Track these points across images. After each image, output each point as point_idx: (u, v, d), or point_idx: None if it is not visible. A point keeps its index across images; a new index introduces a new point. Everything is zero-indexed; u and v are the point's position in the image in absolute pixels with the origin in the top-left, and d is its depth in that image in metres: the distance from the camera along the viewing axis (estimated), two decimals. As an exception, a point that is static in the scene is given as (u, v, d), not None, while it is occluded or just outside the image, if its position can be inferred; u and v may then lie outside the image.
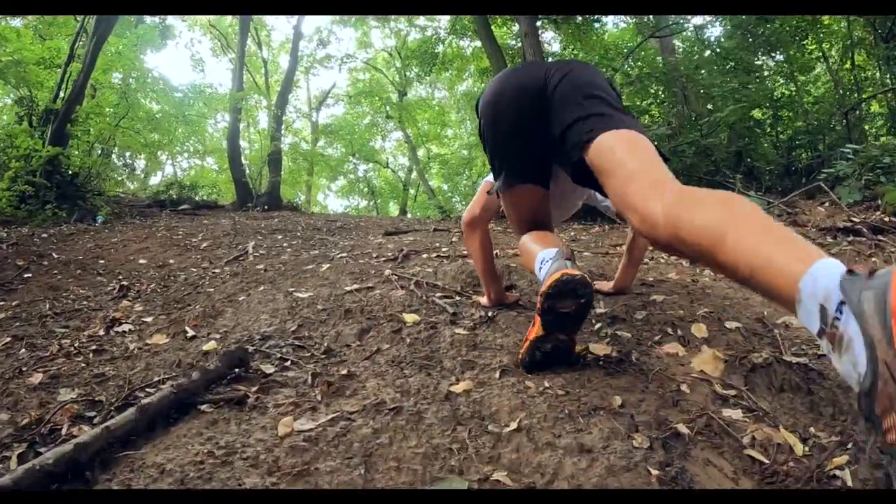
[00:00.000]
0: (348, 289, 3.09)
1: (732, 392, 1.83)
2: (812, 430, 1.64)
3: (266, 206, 13.36)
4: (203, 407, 1.75)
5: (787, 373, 1.96)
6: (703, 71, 10.51)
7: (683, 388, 1.83)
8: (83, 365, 2.42)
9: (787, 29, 11.03)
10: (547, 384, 1.85)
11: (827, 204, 5.13)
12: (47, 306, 3.70)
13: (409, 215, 23.13)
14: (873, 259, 3.59)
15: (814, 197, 5.86)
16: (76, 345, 2.73)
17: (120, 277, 4.73)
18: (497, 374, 1.96)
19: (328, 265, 3.88)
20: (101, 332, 2.92)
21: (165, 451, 1.49)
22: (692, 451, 1.49)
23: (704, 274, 3.41)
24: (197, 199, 13.92)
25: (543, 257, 1.95)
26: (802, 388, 1.89)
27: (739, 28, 11.38)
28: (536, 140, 2.00)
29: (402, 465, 1.44)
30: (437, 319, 2.56)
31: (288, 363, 2.15)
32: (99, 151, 12.73)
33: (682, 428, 1.57)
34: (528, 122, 1.98)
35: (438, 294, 2.97)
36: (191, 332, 2.70)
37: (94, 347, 2.66)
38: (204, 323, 2.87)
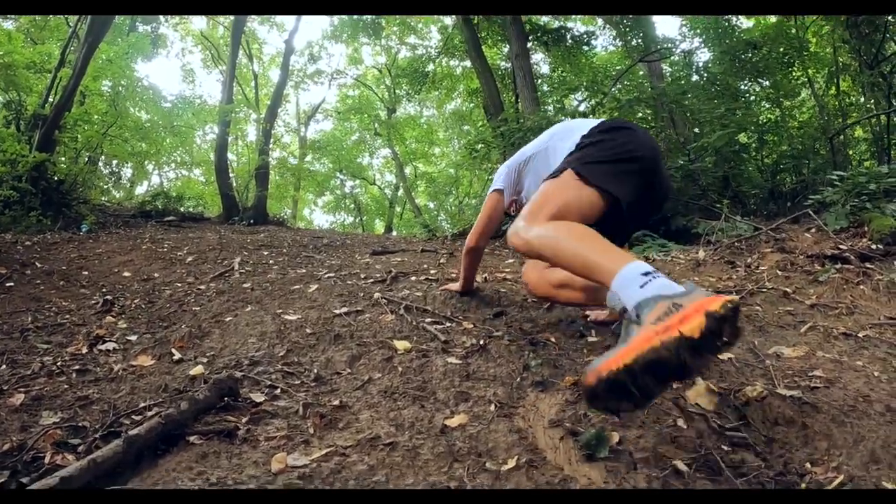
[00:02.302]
0: (337, 312, 3.07)
1: (728, 426, 1.83)
2: (808, 465, 1.64)
3: (252, 221, 13.27)
4: (192, 438, 1.71)
5: (780, 406, 1.95)
6: (690, 96, 10.58)
7: (680, 422, 1.82)
8: (66, 386, 2.37)
9: (775, 56, 11.16)
10: (542, 416, 1.87)
11: (813, 230, 5.14)
12: (29, 319, 3.63)
13: (394, 233, 23.15)
14: (862, 287, 3.61)
15: (799, 222, 5.89)
16: (59, 363, 2.67)
17: (104, 290, 4.66)
18: (492, 408, 1.96)
19: (316, 286, 3.85)
20: (85, 350, 2.87)
21: (154, 486, 1.45)
22: (692, 489, 1.50)
23: None
24: (183, 210, 13.82)
25: (649, 268, 1.74)
26: (796, 422, 1.88)
27: (727, 54, 11.52)
28: (647, 189, 2.36)
29: None
30: (429, 347, 2.56)
31: (278, 391, 2.12)
32: (86, 159, 12.62)
33: (681, 465, 1.57)
34: (652, 177, 2.37)
35: (428, 319, 2.96)
36: (177, 355, 2.66)
37: (77, 367, 2.60)
38: (190, 344, 2.84)
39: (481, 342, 2.59)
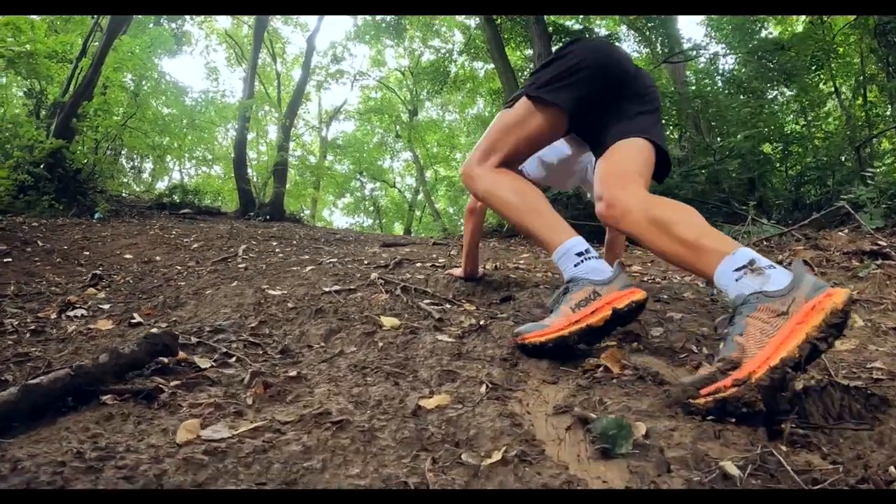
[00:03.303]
0: (327, 290, 2.83)
1: (779, 418, 1.47)
2: (892, 470, 1.25)
3: (268, 216, 13.18)
4: (106, 398, 1.46)
5: (844, 398, 1.58)
6: (713, 96, 10.37)
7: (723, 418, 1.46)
8: (10, 343, 2.18)
9: (803, 59, 10.88)
10: (545, 402, 1.56)
11: (846, 230, 4.87)
12: (12, 288, 3.47)
13: (413, 235, 22.99)
14: None
15: (825, 228, 5.64)
16: (16, 324, 2.48)
17: (101, 268, 4.51)
18: (482, 389, 1.64)
19: (312, 267, 3.65)
20: (53, 316, 2.68)
21: (36, 444, 1.20)
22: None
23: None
24: (199, 204, 13.72)
25: (583, 247, 2.04)
26: (866, 417, 1.52)
27: (754, 54, 11.26)
28: (605, 101, 2.29)
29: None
30: (420, 325, 2.29)
31: (232, 360, 1.85)
32: (106, 150, 12.58)
33: (731, 468, 1.20)
34: (614, 87, 2.28)
35: (427, 300, 2.72)
36: (137, 319, 2.45)
37: (34, 328, 2.41)
38: (159, 313, 2.63)
39: (481, 322, 2.32)
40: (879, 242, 4.08)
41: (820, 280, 1.55)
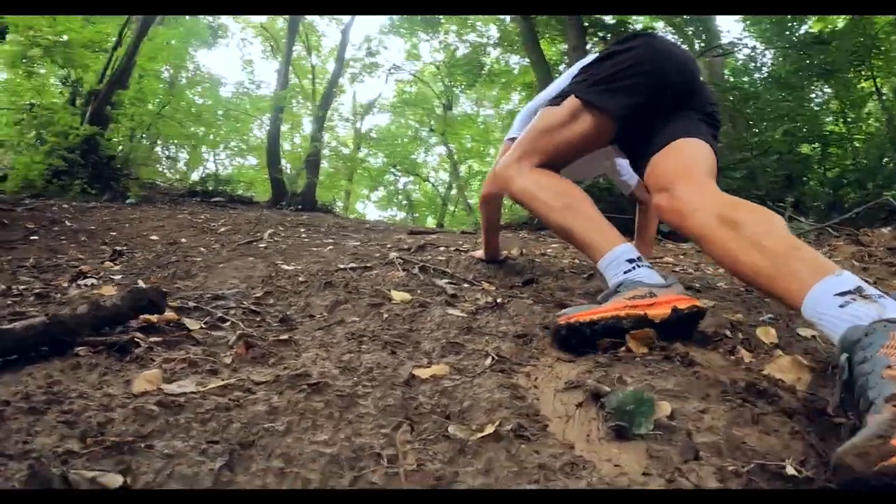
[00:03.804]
0: (342, 266, 2.77)
1: (830, 410, 1.27)
2: None
3: (300, 206, 13.17)
4: (80, 349, 1.39)
5: None
6: (755, 90, 10.16)
7: (762, 404, 1.30)
8: (10, 303, 2.13)
9: (844, 54, 10.59)
10: (557, 378, 1.43)
11: (889, 228, 4.68)
12: (31, 261, 3.45)
13: (444, 229, 22.94)
14: None
15: (863, 227, 5.44)
16: (22, 289, 2.44)
17: (125, 247, 4.50)
18: (487, 361, 1.52)
19: (332, 247, 3.58)
20: (65, 284, 2.64)
21: None
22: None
23: None
24: (231, 193, 13.77)
25: (636, 254, 1.95)
26: None
27: (794, 48, 11.01)
28: (662, 111, 2.11)
29: (290, 467, 0.99)
30: (432, 301, 2.18)
31: (226, 325, 1.77)
32: (142, 138, 12.69)
33: (774, 461, 1.04)
34: (674, 97, 2.11)
35: (444, 280, 2.64)
36: (141, 286, 2.39)
37: (39, 291, 2.37)
38: (168, 282, 2.57)
39: (498, 300, 2.21)
40: None
41: None
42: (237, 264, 2.90)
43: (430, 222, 28.12)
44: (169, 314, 1.70)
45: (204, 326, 1.72)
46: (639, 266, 1.88)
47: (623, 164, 3.18)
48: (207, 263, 3.13)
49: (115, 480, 0.87)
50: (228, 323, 1.79)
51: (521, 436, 1.12)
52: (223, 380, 1.26)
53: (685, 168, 1.95)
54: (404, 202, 29.29)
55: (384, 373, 1.38)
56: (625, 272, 1.87)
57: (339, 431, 1.09)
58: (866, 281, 2.73)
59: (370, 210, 33.32)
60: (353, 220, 11.40)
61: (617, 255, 1.92)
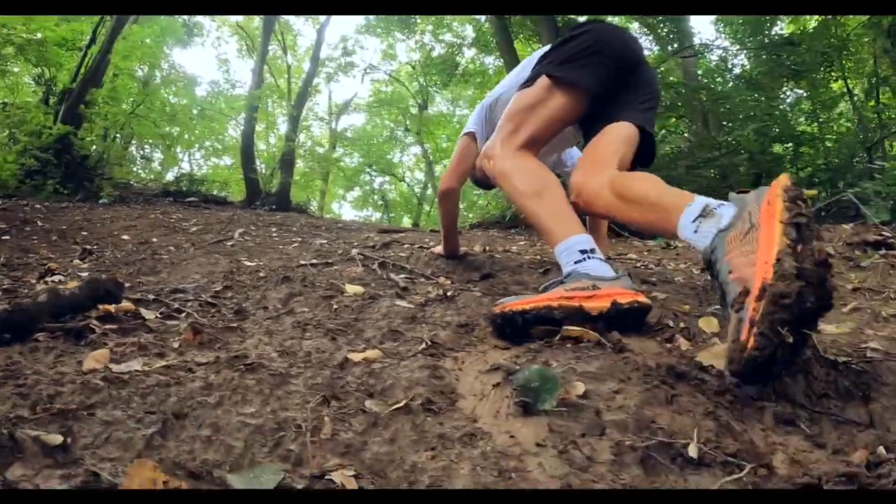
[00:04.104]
0: (304, 262, 2.85)
1: (753, 392, 1.35)
2: (882, 451, 1.11)
3: (274, 206, 13.16)
4: (40, 335, 1.48)
5: (831, 374, 1.45)
6: (726, 90, 10.33)
7: (681, 386, 1.37)
8: (-28, 296, 2.20)
9: (814, 55, 10.78)
10: (485, 362, 1.50)
11: (851, 224, 4.79)
12: (1, 260, 3.50)
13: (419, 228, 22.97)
14: None
15: (833, 223, 5.58)
16: (-12, 285, 2.50)
17: (96, 246, 4.55)
18: (420, 347, 1.59)
19: (297, 245, 3.66)
20: (33, 281, 2.71)
21: None
22: (694, 476, 1.02)
23: None
24: (206, 193, 13.73)
25: (590, 245, 1.99)
26: (855, 395, 1.37)
27: (764, 50, 11.19)
28: (615, 86, 2.31)
29: (217, 435, 1.09)
30: (384, 294, 2.26)
31: (181, 316, 1.84)
32: (115, 138, 12.63)
33: (688, 444, 1.09)
34: (626, 70, 2.33)
35: (403, 275, 2.73)
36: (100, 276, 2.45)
37: (7, 287, 2.45)
38: (131, 278, 2.64)
39: (448, 293, 2.30)
40: (884, 233, 3.99)
41: (762, 188, 1.58)
42: (201, 261, 2.98)
43: (407, 222, 28.19)
44: (126, 304, 1.78)
45: (159, 316, 1.79)
46: (590, 257, 1.93)
47: (567, 155, 3.30)
48: (173, 261, 3.20)
49: (55, 439, 0.97)
50: (184, 314, 1.86)
51: (429, 409, 1.21)
52: (168, 361, 1.35)
53: (590, 160, 2.22)
54: (380, 202, 29.32)
55: (321, 357, 1.47)
56: (575, 262, 1.92)
57: (267, 405, 1.19)
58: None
59: (346, 210, 33.35)
60: (326, 220, 11.43)
61: (571, 244, 1.97)
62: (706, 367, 1.49)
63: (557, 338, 1.67)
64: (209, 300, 2.09)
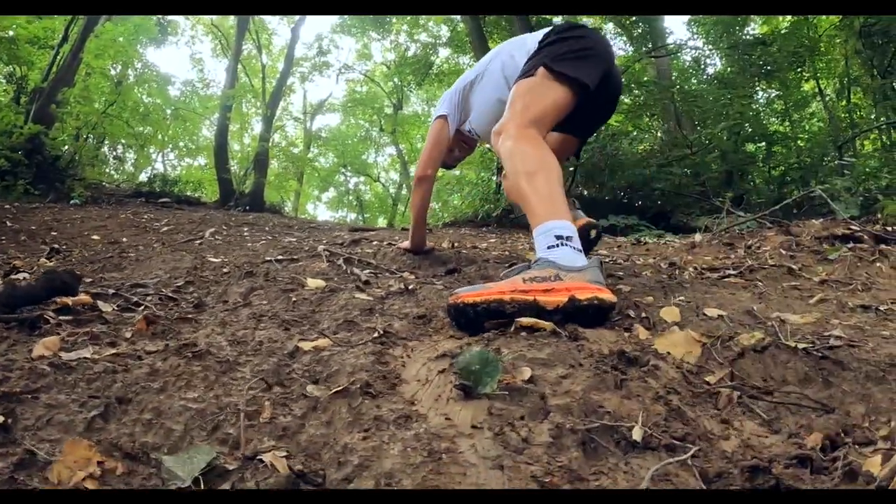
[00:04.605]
0: (269, 258, 2.84)
1: (712, 379, 1.37)
2: (841, 435, 1.13)
3: (248, 207, 13.06)
4: None
5: (791, 361, 1.44)
6: (699, 90, 10.45)
7: (633, 371, 1.36)
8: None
9: (785, 53, 10.92)
10: (435, 350, 1.49)
11: (821, 219, 4.86)
12: (-33, 260, 3.48)
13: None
14: (878, 265, 3.21)
15: (800, 218, 5.67)
16: (-50, 281, 2.48)
17: (64, 246, 4.52)
18: (373, 335, 1.58)
19: (265, 242, 3.66)
20: (-3, 278, 2.70)
21: None
22: (636, 459, 1.02)
23: (685, 274, 3.12)
24: (179, 194, 13.61)
25: (566, 233, 1.96)
26: (815, 381, 1.36)
27: (736, 50, 11.31)
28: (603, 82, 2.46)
29: (158, 419, 1.11)
30: (345, 287, 2.25)
31: (140, 309, 1.83)
32: (87, 138, 12.49)
33: (625, 424, 1.10)
34: (604, 79, 2.47)
35: (368, 270, 2.73)
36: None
37: (-35, 283, 2.42)
38: (95, 275, 2.63)
39: (410, 287, 2.29)
40: (852, 227, 4.02)
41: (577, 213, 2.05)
42: (166, 258, 2.98)
43: (382, 223, 28.14)
44: (84, 297, 1.77)
45: (116, 309, 1.79)
46: (564, 244, 1.90)
47: None
48: (139, 258, 3.19)
49: (-4, 420, 0.99)
50: (142, 308, 1.86)
51: (368, 393, 1.22)
52: (118, 350, 1.36)
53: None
54: (355, 203, 29.25)
55: (272, 346, 1.47)
56: (548, 247, 1.91)
57: (210, 391, 1.21)
58: (790, 267, 2.87)
59: (321, 211, 33.21)
60: (299, 220, 11.38)
61: (550, 228, 1.96)
62: (662, 354, 1.50)
63: (512, 329, 1.65)
64: (170, 294, 2.08)
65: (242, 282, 2.31)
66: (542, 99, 2.32)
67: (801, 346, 1.50)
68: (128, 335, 1.51)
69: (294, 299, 2.03)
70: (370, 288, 2.28)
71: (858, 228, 3.98)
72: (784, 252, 3.61)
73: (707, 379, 1.38)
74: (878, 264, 3.22)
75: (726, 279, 2.88)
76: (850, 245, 3.62)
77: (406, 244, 3.35)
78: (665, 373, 1.39)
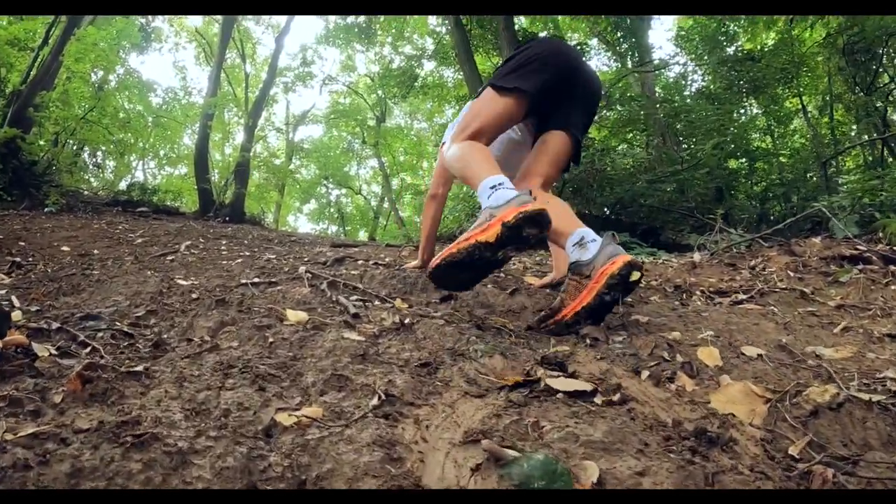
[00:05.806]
0: (244, 282, 2.60)
1: (794, 450, 1.15)
2: None
3: (227, 218, 12.78)
4: None
5: (868, 419, 1.25)
6: (685, 105, 10.43)
7: (715, 453, 1.13)
8: None
9: (772, 71, 10.88)
10: (455, 425, 1.23)
11: (820, 238, 4.70)
12: (-80, 274, 3.21)
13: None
14: (892, 287, 3.08)
15: (793, 237, 5.52)
16: None
17: (31, 258, 4.25)
18: (372, 402, 1.29)
19: (241, 260, 3.41)
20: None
21: None
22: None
23: (695, 299, 2.98)
24: (158, 203, 13.28)
25: (498, 182, 2.13)
26: None
27: (723, 64, 11.30)
28: (558, 95, 2.66)
29: None
30: (331, 322, 1.99)
31: (85, 350, 1.56)
32: (66, 144, 12.19)
33: None
34: (567, 83, 2.67)
35: (354, 297, 2.49)
36: (16, 304, 2.16)
37: None
38: (50, 299, 2.38)
39: (406, 321, 2.04)
40: (859, 247, 3.89)
41: (616, 248, 2.15)
42: (129, 279, 2.70)
43: (363, 236, 27.95)
44: (18, 337, 1.46)
45: (55, 353, 1.51)
46: (498, 189, 2.09)
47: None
48: (100, 278, 2.91)
49: None
50: (88, 349, 1.60)
51: None
52: (39, 426, 1.04)
53: (522, 174, 2.72)
54: (336, 215, 29.02)
55: (241, 418, 1.17)
56: (487, 197, 2.10)
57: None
58: (802, 290, 2.75)
59: (302, 223, 33.04)
60: (279, 232, 11.13)
61: (484, 185, 2.15)
62: (731, 419, 1.29)
63: (541, 386, 1.41)
64: (125, 329, 1.83)
65: (212, 313, 2.06)
66: (485, 113, 2.54)
67: (874, 398, 1.32)
68: (58, 399, 1.19)
69: (271, 340, 1.76)
70: (360, 323, 2.03)
71: (865, 249, 3.88)
72: (792, 274, 3.54)
73: (791, 452, 1.16)
74: (892, 287, 3.13)
75: (741, 305, 2.82)
76: (860, 267, 3.53)
77: (415, 263, 3.45)
78: (745, 449, 1.17)
